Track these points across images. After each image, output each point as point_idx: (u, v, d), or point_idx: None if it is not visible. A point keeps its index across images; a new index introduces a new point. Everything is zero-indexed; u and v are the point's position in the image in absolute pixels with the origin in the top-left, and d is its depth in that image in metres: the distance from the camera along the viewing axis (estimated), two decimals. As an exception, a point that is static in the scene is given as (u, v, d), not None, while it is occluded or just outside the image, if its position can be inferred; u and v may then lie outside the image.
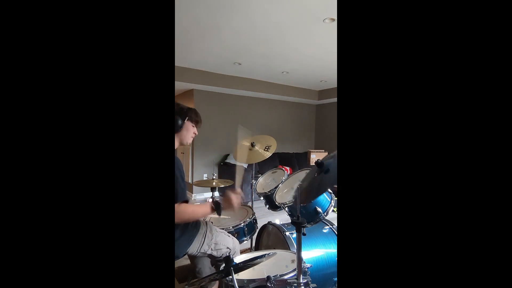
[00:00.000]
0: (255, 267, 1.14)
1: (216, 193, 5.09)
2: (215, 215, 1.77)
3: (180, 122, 1.28)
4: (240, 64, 3.87)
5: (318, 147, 6.41)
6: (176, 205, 1.15)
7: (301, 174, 1.69)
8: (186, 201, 1.21)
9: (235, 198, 1.26)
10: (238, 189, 1.30)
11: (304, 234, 0.91)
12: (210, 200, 2.13)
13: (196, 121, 1.36)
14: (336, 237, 1.56)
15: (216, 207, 1.26)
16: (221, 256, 1.37)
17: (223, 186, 2.08)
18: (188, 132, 1.33)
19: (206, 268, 1.43)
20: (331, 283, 1.45)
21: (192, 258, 1.43)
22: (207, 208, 1.25)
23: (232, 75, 4.56)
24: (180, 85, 4.42)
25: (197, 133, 1.39)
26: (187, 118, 1.31)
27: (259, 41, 2.94)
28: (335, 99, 5.58)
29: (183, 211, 1.18)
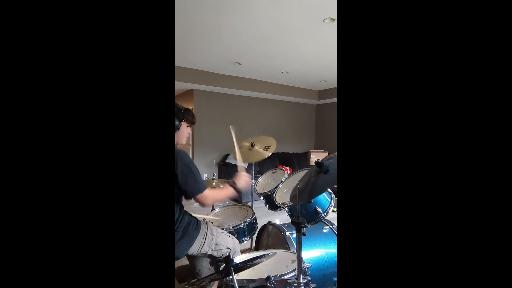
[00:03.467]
0: (255, 267, 1.14)
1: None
2: (216, 217, 1.79)
3: (177, 123, 1.29)
4: (240, 64, 3.87)
5: (318, 147, 6.40)
6: (204, 192, 1.26)
7: (301, 174, 1.69)
8: None
9: (244, 176, 1.48)
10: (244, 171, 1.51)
11: (304, 234, 0.91)
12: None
13: (192, 122, 1.38)
14: (336, 237, 1.56)
15: (233, 186, 1.41)
16: (221, 257, 1.37)
17: (223, 186, 2.08)
18: (183, 133, 1.36)
19: (205, 269, 1.43)
20: (331, 283, 1.44)
21: (191, 258, 1.43)
22: (229, 189, 1.40)
23: (232, 75, 4.56)
24: (180, 85, 4.42)
25: (190, 132, 1.43)
26: (183, 119, 1.33)
27: (259, 41, 2.94)
28: (335, 99, 5.58)
29: (210, 196, 1.29)
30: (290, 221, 1.55)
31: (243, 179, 1.47)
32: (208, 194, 1.27)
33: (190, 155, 4.85)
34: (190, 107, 5.10)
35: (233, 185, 1.43)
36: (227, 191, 1.40)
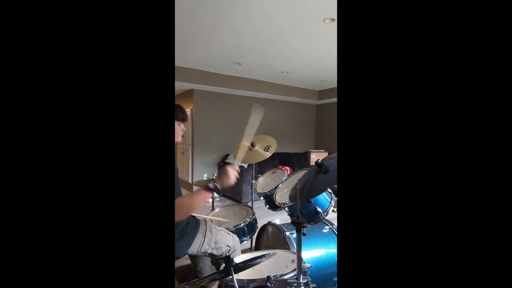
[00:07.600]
0: (255, 267, 1.14)
1: (215, 194, 5.07)
2: (217, 218, 1.78)
3: None
4: (240, 64, 3.87)
5: (318, 147, 6.40)
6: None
7: (301, 174, 1.69)
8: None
9: (231, 170, 1.14)
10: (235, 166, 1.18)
11: (304, 234, 0.91)
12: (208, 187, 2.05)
13: (183, 119, 1.31)
14: (336, 237, 1.56)
15: (213, 186, 1.12)
16: (221, 255, 1.37)
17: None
18: (176, 131, 1.29)
19: (207, 268, 1.43)
20: (331, 283, 1.45)
21: (193, 257, 1.43)
22: (203, 193, 1.12)
23: (232, 75, 4.56)
24: (180, 85, 4.42)
25: (185, 129, 1.33)
26: None
27: (259, 41, 2.94)
28: (335, 99, 5.58)
29: (181, 205, 1.08)
30: (290, 221, 1.55)
31: (229, 173, 1.12)
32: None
33: (190, 155, 4.85)
34: (190, 107, 5.02)
35: (211, 185, 1.12)
36: (198, 199, 1.12)
